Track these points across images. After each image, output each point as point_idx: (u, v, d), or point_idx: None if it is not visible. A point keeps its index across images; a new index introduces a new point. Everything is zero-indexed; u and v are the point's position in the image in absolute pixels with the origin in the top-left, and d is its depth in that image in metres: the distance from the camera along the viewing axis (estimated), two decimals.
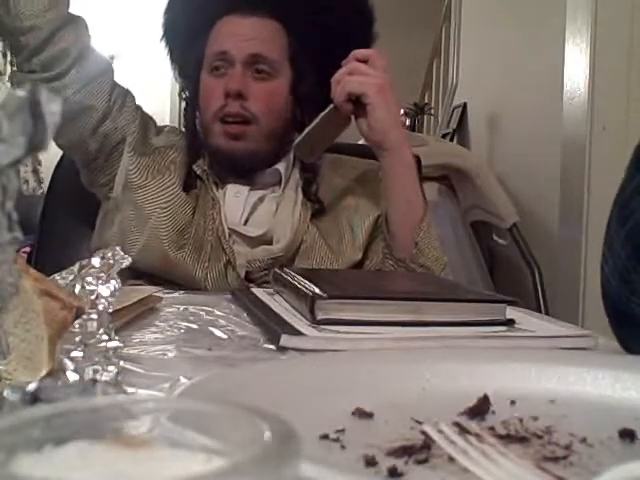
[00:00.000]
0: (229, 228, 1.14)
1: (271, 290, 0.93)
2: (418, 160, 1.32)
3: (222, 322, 0.78)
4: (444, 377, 0.49)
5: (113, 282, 0.45)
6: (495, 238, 2.59)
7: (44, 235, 1.38)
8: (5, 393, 0.36)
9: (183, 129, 1.27)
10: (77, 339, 0.43)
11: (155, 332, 0.72)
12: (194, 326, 0.76)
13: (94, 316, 0.44)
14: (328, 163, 1.23)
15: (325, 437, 0.39)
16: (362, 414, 0.43)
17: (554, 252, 2.41)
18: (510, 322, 0.72)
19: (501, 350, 0.60)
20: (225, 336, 0.71)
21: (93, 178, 1.23)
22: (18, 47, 1.10)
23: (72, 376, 0.42)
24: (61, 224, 1.37)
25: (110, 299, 0.45)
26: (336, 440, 0.39)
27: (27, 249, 1.47)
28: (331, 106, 1.08)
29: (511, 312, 0.74)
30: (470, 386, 0.48)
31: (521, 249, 2.42)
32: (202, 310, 0.85)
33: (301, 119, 1.17)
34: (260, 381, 0.46)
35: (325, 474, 0.30)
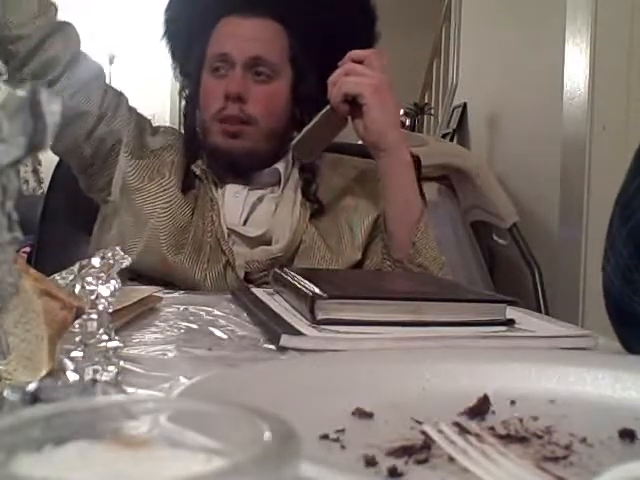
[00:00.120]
0: (228, 228, 1.14)
1: (271, 290, 0.93)
2: (418, 160, 1.32)
3: (222, 322, 0.78)
4: (444, 377, 0.49)
5: (113, 282, 0.45)
6: (495, 238, 2.59)
7: (44, 235, 1.38)
8: (5, 393, 0.36)
9: (182, 128, 1.26)
10: (77, 339, 0.43)
11: (155, 332, 0.72)
12: (194, 326, 0.76)
13: (94, 316, 0.44)
14: (328, 163, 1.23)
15: (325, 437, 0.39)
16: (362, 414, 0.43)
17: (554, 252, 2.41)
18: (510, 322, 0.72)
19: (501, 350, 0.60)
20: (225, 336, 0.71)
21: (91, 183, 1.22)
22: (8, 56, 1.10)
23: (72, 376, 0.42)
24: (61, 224, 1.37)
25: (110, 299, 0.45)
26: (336, 440, 0.39)
27: (27, 249, 1.47)
28: (328, 107, 1.08)
29: (511, 312, 0.74)
30: (470, 386, 0.48)
31: (521, 249, 2.42)
32: (202, 310, 0.85)
33: (301, 119, 1.17)
34: (260, 381, 0.46)
35: (325, 474, 0.30)
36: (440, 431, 0.38)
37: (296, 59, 1.18)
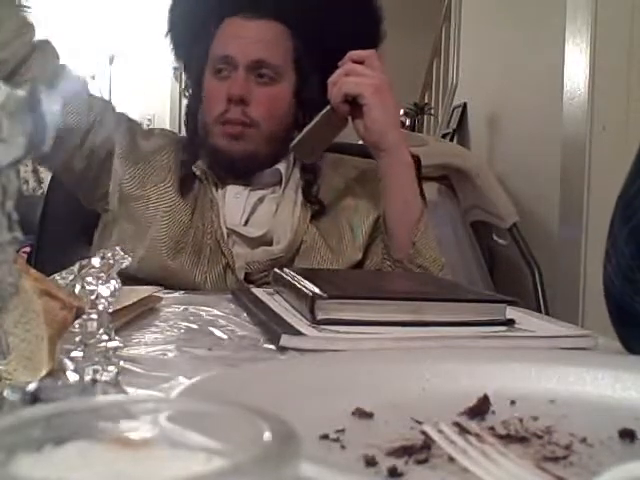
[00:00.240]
0: (229, 229, 1.14)
1: (271, 290, 0.93)
2: (418, 160, 1.32)
3: (222, 322, 0.78)
4: (444, 377, 0.49)
5: (113, 282, 0.45)
6: (495, 238, 2.59)
7: (44, 235, 1.38)
8: (5, 393, 0.36)
9: (183, 128, 1.26)
10: (77, 339, 0.43)
11: (155, 332, 0.72)
12: (194, 326, 0.76)
13: (94, 316, 0.44)
14: (330, 163, 1.23)
15: (325, 437, 0.39)
16: (362, 414, 0.43)
17: (554, 252, 2.41)
18: (510, 322, 0.72)
19: (501, 350, 0.60)
20: (225, 336, 0.71)
21: (88, 196, 1.22)
22: None
23: (72, 376, 0.42)
24: (61, 224, 1.37)
25: (110, 299, 0.45)
26: (336, 440, 0.39)
27: (27, 249, 1.47)
28: (328, 107, 1.08)
29: (511, 312, 0.74)
30: (470, 386, 0.48)
31: (521, 249, 2.43)
32: (202, 310, 0.85)
33: (303, 121, 1.16)
34: (260, 381, 0.46)
35: (325, 474, 0.30)
36: (440, 431, 0.38)
37: (299, 61, 1.18)
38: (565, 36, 2.36)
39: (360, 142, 1.16)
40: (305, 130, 1.11)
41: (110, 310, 0.45)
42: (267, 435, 0.22)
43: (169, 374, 0.54)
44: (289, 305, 0.80)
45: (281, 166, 1.18)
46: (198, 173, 1.17)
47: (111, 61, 4.29)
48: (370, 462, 0.36)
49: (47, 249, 1.36)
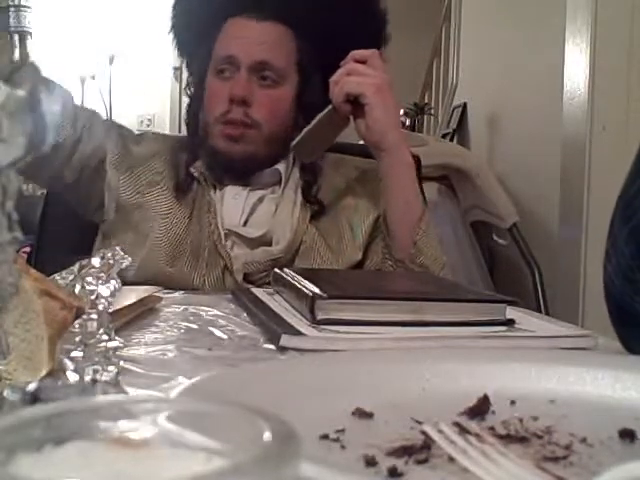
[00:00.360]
0: (228, 230, 1.13)
1: (271, 290, 0.93)
2: (418, 160, 1.32)
3: (222, 322, 0.78)
4: (444, 377, 0.49)
5: (113, 282, 0.45)
6: (495, 238, 2.59)
7: (44, 235, 1.37)
8: (5, 393, 0.36)
9: (184, 126, 1.26)
10: (77, 339, 0.43)
11: (155, 332, 0.72)
12: (194, 326, 0.76)
13: (94, 316, 0.44)
14: (331, 163, 1.23)
15: (325, 437, 0.39)
16: (362, 414, 0.43)
17: (554, 252, 2.41)
18: (510, 322, 0.72)
19: (501, 350, 0.60)
20: (225, 336, 0.71)
21: (83, 208, 1.22)
22: None
23: (72, 376, 0.42)
24: (61, 224, 1.37)
25: (110, 299, 0.45)
26: (336, 440, 0.39)
27: (27, 249, 1.47)
28: (330, 107, 1.08)
29: (511, 312, 0.74)
30: (470, 386, 0.48)
31: (521, 249, 2.42)
32: (202, 310, 0.85)
33: (303, 123, 1.16)
34: (260, 381, 0.46)
35: (325, 474, 0.30)
36: (440, 431, 0.38)
37: (302, 62, 1.17)
38: (565, 36, 2.36)
39: (361, 142, 1.16)
40: (306, 129, 1.11)
41: (110, 310, 0.45)
42: (267, 435, 0.22)
43: (169, 374, 0.54)
44: (289, 305, 0.80)
45: (280, 166, 1.18)
46: (196, 175, 1.17)
47: (111, 61, 4.28)
48: (370, 462, 0.36)
49: (47, 249, 1.36)
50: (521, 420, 0.43)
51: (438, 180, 2.50)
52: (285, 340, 0.64)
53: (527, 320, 0.75)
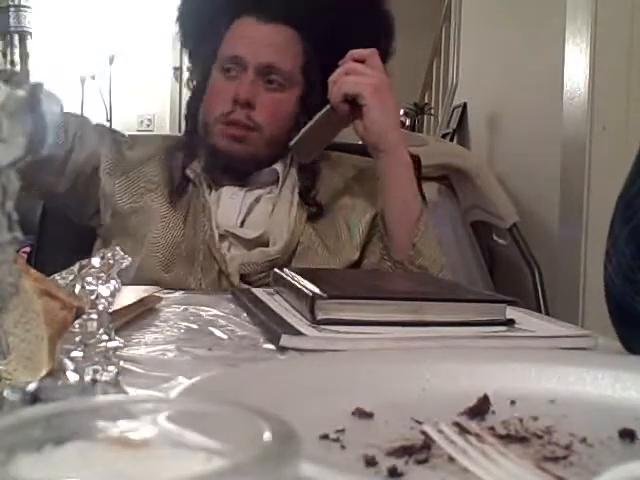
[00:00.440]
0: (225, 231, 1.13)
1: (271, 290, 0.93)
2: (418, 160, 1.32)
3: (222, 322, 0.78)
4: (444, 377, 0.49)
5: (113, 282, 0.45)
6: (495, 238, 2.59)
7: (44, 235, 1.37)
8: (5, 393, 0.36)
9: (183, 126, 1.25)
10: (77, 339, 0.43)
11: (155, 332, 0.72)
12: (194, 326, 0.76)
13: (94, 316, 0.44)
14: (329, 162, 1.22)
15: (325, 437, 0.39)
16: (362, 414, 0.43)
17: (554, 252, 2.41)
18: (510, 322, 0.72)
19: (501, 350, 0.60)
20: (225, 336, 0.71)
21: (78, 214, 1.22)
22: None
23: (72, 376, 0.42)
24: (61, 224, 1.37)
25: (110, 299, 0.45)
26: (336, 440, 0.39)
27: (27, 249, 1.47)
28: (328, 106, 1.08)
29: (511, 312, 0.74)
30: (470, 386, 0.48)
31: (521, 249, 2.42)
32: (202, 310, 0.85)
33: (304, 125, 1.16)
34: (260, 381, 0.46)
35: (325, 474, 0.30)
36: (440, 431, 0.38)
37: (308, 66, 1.16)
38: (565, 36, 2.36)
39: (360, 142, 1.15)
40: (304, 129, 1.10)
41: (110, 310, 0.45)
42: (267, 435, 0.22)
43: (169, 374, 0.54)
44: (289, 305, 0.80)
45: (278, 166, 1.18)
46: (192, 176, 1.17)
47: (111, 61, 4.28)
48: (370, 462, 0.36)
49: (47, 249, 1.36)
50: (521, 420, 0.43)
51: (438, 180, 2.50)
52: (285, 340, 0.64)
53: (527, 320, 0.75)
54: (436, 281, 0.97)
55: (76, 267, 0.47)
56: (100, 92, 4.25)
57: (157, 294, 0.86)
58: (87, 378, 0.42)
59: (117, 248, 0.47)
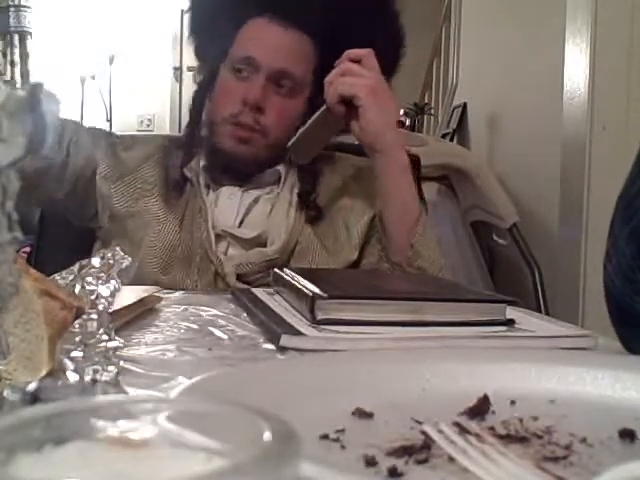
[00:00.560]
0: (223, 231, 1.13)
1: (271, 290, 0.93)
2: (418, 160, 1.31)
3: (222, 322, 0.78)
4: (444, 377, 0.49)
5: (113, 282, 0.45)
6: (495, 238, 2.58)
7: (44, 235, 1.37)
8: (5, 393, 0.36)
9: (184, 124, 1.24)
10: (77, 339, 0.43)
11: (155, 332, 0.72)
12: (194, 326, 0.76)
13: (94, 316, 0.44)
14: (328, 162, 1.22)
15: (325, 437, 0.39)
16: (362, 414, 0.43)
17: (554, 252, 2.41)
18: (510, 322, 0.72)
19: (501, 350, 0.60)
20: (225, 336, 0.71)
21: (77, 216, 1.22)
22: None
23: (72, 376, 0.42)
24: (61, 224, 1.37)
25: (110, 299, 0.45)
26: (336, 440, 0.39)
27: (27, 249, 1.47)
28: (324, 107, 1.07)
29: (511, 312, 0.74)
30: (470, 386, 0.48)
31: (521, 249, 2.42)
32: (202, 310, 0.85)
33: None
34: (260, 381, 0.46)
35: (325, 474, 0.30)
36: (440, 431, 0.38)
37: (318, 72, 1.15)
38: (565, 36, 2.36)
39: (357, 142, 1.15)
40: (301, 130, 1.10)
41: (110, 310, 0.45)
42: (267, 435, 0.22)
43: (169, 374, 0.54)
44: (289, 305, 0.80)
45: (280, 167, 1.18)
46: (190, 176, 1.16)
47: (111, 61, 4.29)
48: (370, 462, 0.36)
49: (47, 249, 1.36)
50: (521, 420, 0.43)
51: (438, 180, 2.50)
52: (285, 340, 0.64)
53: (527, 320, 0.75)
54: (436, 281, 0.97)
55: (76, 267, 0.47)
56: (100, 92, 4.25)
57: (157, 294, 0.86)
58: (87, 378, 0.42)
59: (117, 248, 0.47)
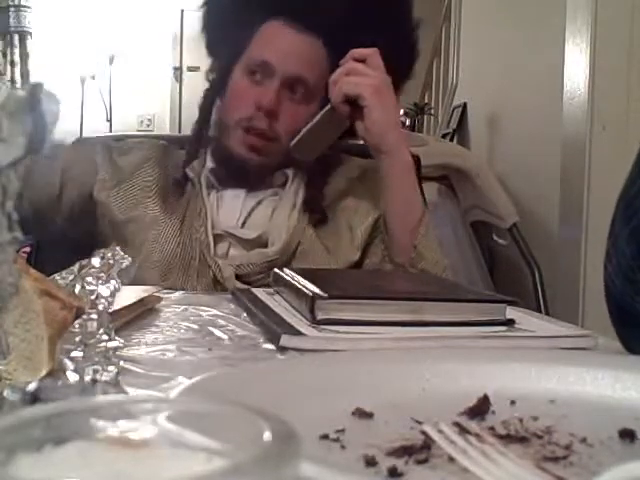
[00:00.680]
0: (224, 231, 1.12)
1: (271, 290, 0.93)
2: (418, 160, 1.31)
3: (222, 322, 0.78)
4: (444, 377, 0.49)
5: (113, 282, 0.45)
6: (495, 238, 2.58)
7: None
8: (5, 393, 0.36)
9: (184, 126, 1.25)
10: (77, 339, 0.43)
11: (155, 332, 0.72)
12: (194, 326, 0.76)
13: (94, 316, 0.44)
14: (334, 163, 1.21)
15: (325, 437, 0.39)
16: (362, 414, 0.43)
17: (554, 252, 2.41)
18: (510, 322, 0.72)
19: (501, 350, 0.60)
20: (225, 336, 0.71)
21: (75, 232, 1.22)
22: None
23: (72, 376, 0.42)
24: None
25: (110, 299, 0.45)
26: (336, 440, 0.39)
27: (27, 249, 1.47)
28: (329, 106, 1.07)
29: (511, 312, 0.74)
30: (470, 386, 0.48)
31: (521, 249, 2.42)
32: (202, 310, 0.85)
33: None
34: (260, 381, 0.46)
35: (325, 474, 0.30)
36: (440, 431, 0.38)
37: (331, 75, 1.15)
38: (565, 36, 2.36)
39: (361, 142, 1.15)
40: (305, 129, 1.10)
41: (110, 310, 0.45)
42: (267, 435, 0.22)
43: (169, 374, 0.54)
44: (289, 305, 0.80)
45: (289, 170, 1.17)
46: (192, 175, 1.16)
47: (111, 61, 4.29)
48: (370, 462, 0.36)
49: (47, 249, 1.36)
50: (521, 420, 0.43)
51: (438, 180, 2.50)
52: (285, 340, 0.64)
53: (527, 320, 0.75)
54: (436, 281, 0.97)
55: (76, 267, 0.47)
56: (100, 92, 4.25)
57: (157, 294, 0.86)
58: (87, 378, 0.42)
59: (117, 248, 0.47)
